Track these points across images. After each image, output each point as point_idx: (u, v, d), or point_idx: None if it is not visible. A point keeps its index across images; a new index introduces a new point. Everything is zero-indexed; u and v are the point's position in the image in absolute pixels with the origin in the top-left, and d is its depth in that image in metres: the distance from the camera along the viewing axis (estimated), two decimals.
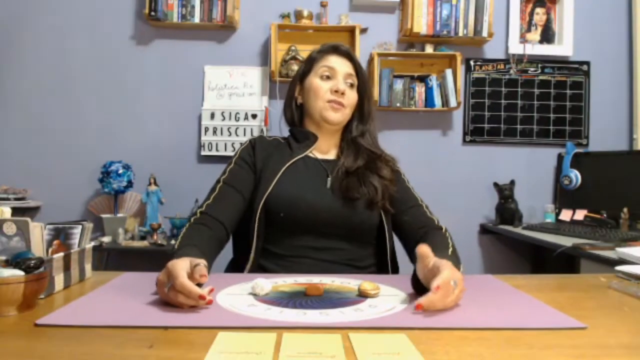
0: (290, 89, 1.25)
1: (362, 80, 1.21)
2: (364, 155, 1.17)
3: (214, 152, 2.72)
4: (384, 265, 1.12)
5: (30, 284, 0.65)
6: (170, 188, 2.68)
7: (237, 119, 2.72)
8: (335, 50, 1.20)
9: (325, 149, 1.21)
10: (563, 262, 2.06)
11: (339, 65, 1.17)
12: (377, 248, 1.14)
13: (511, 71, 2.87)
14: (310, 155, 1.18)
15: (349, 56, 1.20)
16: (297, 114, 1.23)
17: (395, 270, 1.14)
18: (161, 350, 0.53)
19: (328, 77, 1.17)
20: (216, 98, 2.75)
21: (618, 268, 1.00)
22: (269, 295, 0.76)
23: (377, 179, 1.13)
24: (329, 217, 1.07)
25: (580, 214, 2.55)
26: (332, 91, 1.15)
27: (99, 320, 0.62)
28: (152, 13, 2.62)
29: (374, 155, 1.17)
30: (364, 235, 1.12)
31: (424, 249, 0.75)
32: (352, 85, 1.18)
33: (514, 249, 2.87)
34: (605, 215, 2.38)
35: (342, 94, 1.15)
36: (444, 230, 1.09)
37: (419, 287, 0.77)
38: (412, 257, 1.01)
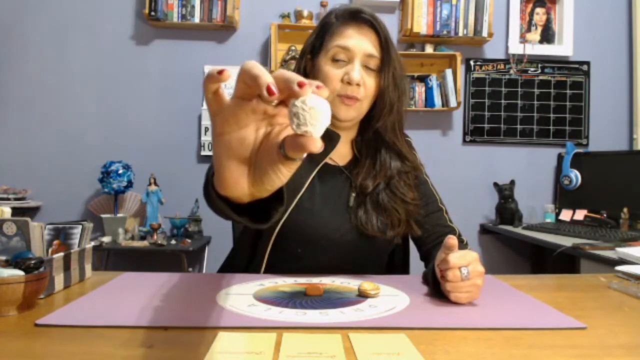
0: (298, 65, 1.00)
1: (388, 58, 0.94)
2: (386, 161, 0.99)
3: None
4: (396, 270, 1.09)
5: (30, 284, 0.65)
6: (170, 188, 2.68)
7: None
8: (355, 18, 0.94)
9: (342, 148, 1.02)
10: (563, 262, 2.06)
11: (358, 42, 0.92)
12: (391, 255, 1.08)
13: (511, 71, 2.87)
14: (329, 161, 1.01)
15: (373, 26, 0.94)
16: None
17: (406, 271, 1.12)
18: (161, 350, 0.53)
19: (342, 59, 0.93)
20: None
21: (618, 268, 1.00)
22: (269, 296, 0.76)
23: (401, 205, 0.97)
24: (351, 249, 0.97)
25: (580, 214, 2.55)
26: (344, 81, 0.93)
27: (99, 321, 0.62)
28: (152, 13, 2.62)
29: (398, 160, 1.01)
30: (383, 255, 1.06)
31: (452, 242, 0.72)
32: (373, 66, 0.94)
33: (514, 249, 2.87)
34: (605, 215, 2.39)
35: (358, 85, 0.92)
36: (465, 243, 1.01)
37: (434, 282, 0.78)
38: (427, 263, 1.01)
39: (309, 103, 0.39)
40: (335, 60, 0.93)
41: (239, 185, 0.46)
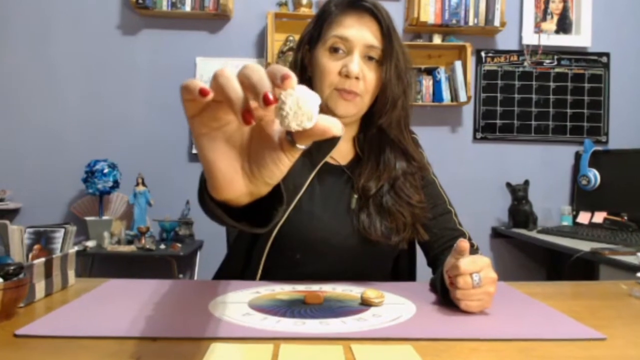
0: (295, 55, 1.00)
1: (391, 49, 0.93)
2: (390, 161, 0.99)
3: None
4: (401, 277, 1.09)
5: (9, 292, 0.65)
6: (159, 189, 2.69)
7: None
8: (354, 6, 0.93)
9: (343, 146, 1.02)
10: (581, 268, 2.06)
11: (357, 32, 0.91)
12: (396, 260, 1.09)
13: (525, 63, 2.88)
14: (330, 160, 1.00)
15: (374, 14, 0.93)
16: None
17: (412, 278, 1.12)
18: None
19: (341, 50, 0.92)
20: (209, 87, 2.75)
21: None
22: (265, 304, 0.76)
23: (406, 208, 0.97)
24: (353, 255, 0.97)
25: (599, 217, 2.55)
26: (341, 74, 0.92)
27: (83, 331, 0.62)
28: (140, 1, 2.62)
29: (403, 160, 1.00)
30: (388, 261, 1.06)
31: (463, 246, 0.72)
32: (375, 58, 0.93)
33: (528, 254, 2.87)
34: (626, 217, 2.38)
35: (357, 79, 0.92)
36: (475, 247, 1.01)
37: (443, 289, 0.78)
38: (435, 269, 1.01)
39: (291, 99, 0.39)
40: (333, 52, 0.93)
41: (234, 184, 0.45)
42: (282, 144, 0.42)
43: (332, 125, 0.41)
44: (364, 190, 0.98)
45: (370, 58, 0.94)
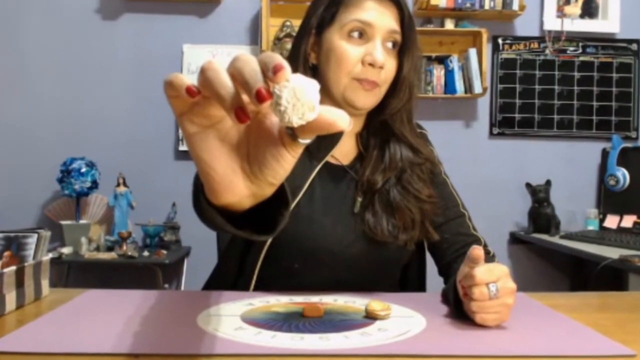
0: (299, 40, 0.99)
1: (412, 37, 0.97)
2: (396, 153, 1.00)
3: None
4: (410, 287, 1.10)
5: None
6: (142, 189, 2.69)
7: None
8: None
9: (345, 144, 1.03)
10: (608, 278, 2.06)
11: (380, 17, 0.92)
12: (404, 269, 1.09)
13: (547, 51, 2.88)
14: (331, 159, 1.01)
15: None
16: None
17: (422, 288, 1.12)
18: None
19: (360, 35, 0.93)
20: (197, 82, 2.75)
21: None
22: (259, 317, 0.76)
23: (414, 203, 0.98)
24: (357, 263, 0.98)
25: (628, 220, 2.55)
26: (364, 63, 0.92)
27: (58, 347, 0.62)
28: None
29: (409, 153, 1.01)
30: (395, 269, 1.07)
31: (478, 253, 0.71)
32: (394, 45, 0.95)
33: (550, 262, 2.87)
34: None
35: (381, 67, 0.92)
36: (492, 254, 1.02)
37: (456, 301, 0.78)
38: (447, 278, 1.01)
39: (287, 91, 0.38)
40: (352, 37, 0.93)
41: (234, 186, 0.45)
42: (283, 138, 0.42)
43: (339, 118, 0.40)
44: (369, 184, 0.99)
45: (389, 45, 0.95)
